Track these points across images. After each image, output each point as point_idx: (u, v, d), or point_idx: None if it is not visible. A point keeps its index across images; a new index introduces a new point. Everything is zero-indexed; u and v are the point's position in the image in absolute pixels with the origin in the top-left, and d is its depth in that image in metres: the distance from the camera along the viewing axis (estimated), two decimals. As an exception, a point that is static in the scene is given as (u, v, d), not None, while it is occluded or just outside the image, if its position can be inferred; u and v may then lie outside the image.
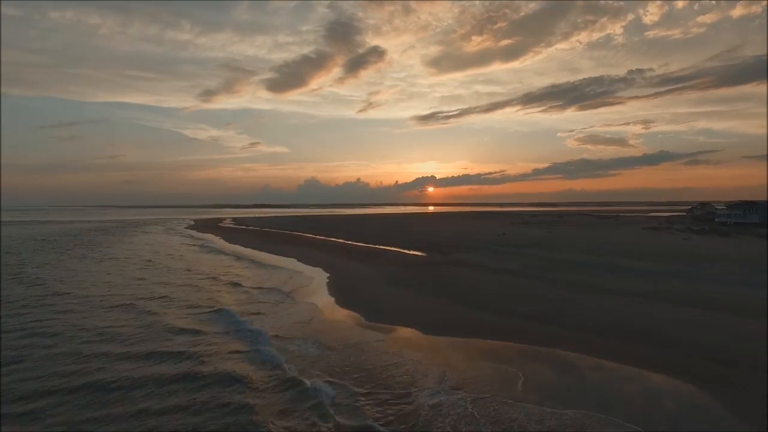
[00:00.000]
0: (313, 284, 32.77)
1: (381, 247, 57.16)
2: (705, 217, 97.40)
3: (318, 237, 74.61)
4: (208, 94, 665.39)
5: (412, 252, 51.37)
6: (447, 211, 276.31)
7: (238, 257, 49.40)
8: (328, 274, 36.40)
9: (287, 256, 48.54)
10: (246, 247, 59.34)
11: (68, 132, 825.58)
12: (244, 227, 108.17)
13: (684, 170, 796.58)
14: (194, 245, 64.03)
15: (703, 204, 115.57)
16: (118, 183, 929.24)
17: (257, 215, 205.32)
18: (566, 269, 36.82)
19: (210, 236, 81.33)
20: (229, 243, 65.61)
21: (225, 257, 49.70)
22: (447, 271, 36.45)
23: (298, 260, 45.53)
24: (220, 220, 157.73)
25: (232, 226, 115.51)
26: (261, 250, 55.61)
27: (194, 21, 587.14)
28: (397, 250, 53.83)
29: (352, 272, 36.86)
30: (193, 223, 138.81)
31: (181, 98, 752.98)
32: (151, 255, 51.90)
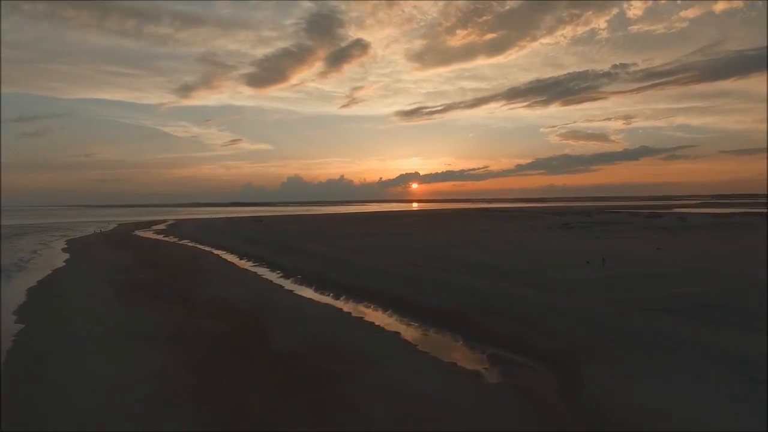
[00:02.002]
0: None
1: (370, 309, 23.08)
2: None
3: (248, 268, 40.23)
4: (186, 89, 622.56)
5: (448, 345, 17.37)
6: (442, 208, 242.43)
7: None
8: None
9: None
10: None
11: (40, 129, 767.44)
12: (160, 238, 73.13)
13: (663, 165, 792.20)
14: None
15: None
16: (93, 182, 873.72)
17: (222, 215, 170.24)
18: None
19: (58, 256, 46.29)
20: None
21: None
22: None
23: None
24: (155, 223, 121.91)
25: (147, 236, 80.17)
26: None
27: (174, 15, 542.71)
28: (410, 325, 19.74)
29: None
30: (109, 227, 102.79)
31: (161, 95, 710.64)
32: None
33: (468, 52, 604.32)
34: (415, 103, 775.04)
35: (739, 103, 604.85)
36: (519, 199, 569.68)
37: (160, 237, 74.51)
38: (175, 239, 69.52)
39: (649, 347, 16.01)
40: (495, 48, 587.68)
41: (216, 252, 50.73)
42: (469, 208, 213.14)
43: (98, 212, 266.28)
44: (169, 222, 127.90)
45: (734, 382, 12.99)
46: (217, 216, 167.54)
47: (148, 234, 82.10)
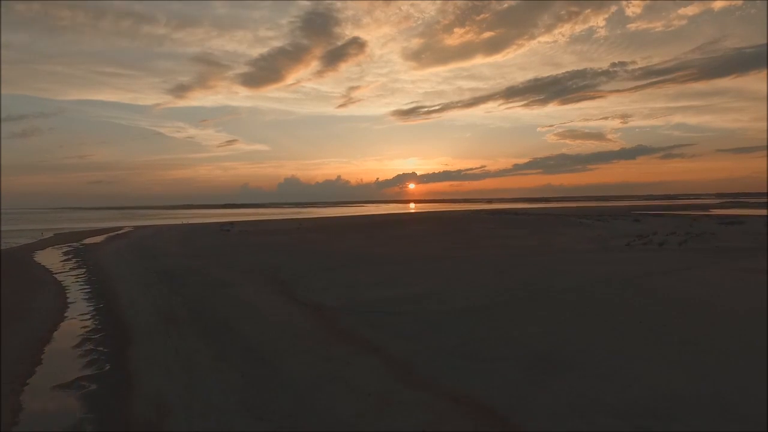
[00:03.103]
0: None
1: None
2: None
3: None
4: (181, 89, 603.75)
5: None
6: (447, 210, 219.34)
7: None
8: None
9: None
10: None
11: (28, 129, 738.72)
12: (44, 265, 49.47)
13: (659, 164, 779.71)
14: None
15: None
16: (86, 184, 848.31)
17: (199, 221, 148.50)
18: None
19: None
20: None
21: None
22: None
23: None
24: (99, 233, 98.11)
25: (40, 260, 56.50)
26: None
27: (171, 15, 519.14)
28: None
29: None
30: (40, 237, 78.89)
31: (156, 95, 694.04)
32: None
33: (465, 51, 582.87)
34: (412, 103, 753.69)
35: (736, 101, 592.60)
36: (520, 198, 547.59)
37: (51, 262, 50.69)
38: (70, 268, 45.79)
39: None
40: (493, 47, 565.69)
41: (62, 323, 26.86)
42: (481, 210, 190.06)
43: (77, 215, 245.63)
44: (120, 231, 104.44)
45: None
46: (193, 222, 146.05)
47: (49, 256, 58.30)
